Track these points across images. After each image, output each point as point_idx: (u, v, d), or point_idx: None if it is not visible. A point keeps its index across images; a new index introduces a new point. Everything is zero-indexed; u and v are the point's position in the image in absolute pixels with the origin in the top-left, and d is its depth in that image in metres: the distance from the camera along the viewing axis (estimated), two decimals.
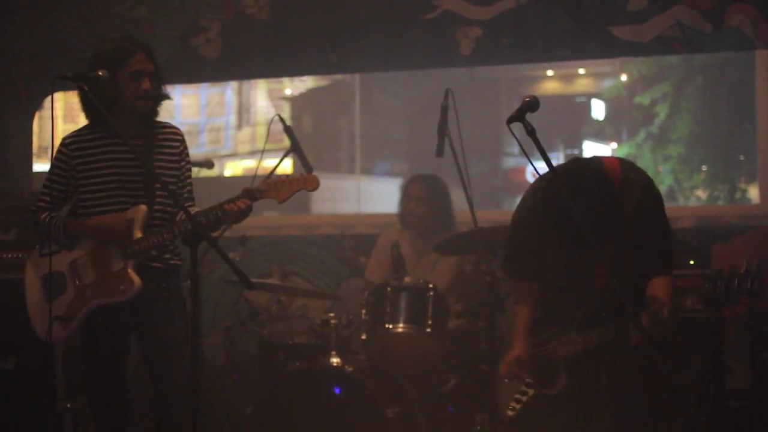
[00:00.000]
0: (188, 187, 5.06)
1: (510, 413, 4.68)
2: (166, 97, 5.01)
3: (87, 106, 4.85)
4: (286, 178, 4.71)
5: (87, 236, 4.87)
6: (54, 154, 4.85)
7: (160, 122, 5.06)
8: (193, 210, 4.85)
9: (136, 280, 4.75)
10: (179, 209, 4.75)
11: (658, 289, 4.44)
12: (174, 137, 5.00)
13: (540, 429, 4.60)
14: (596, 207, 4.29)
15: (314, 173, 5.08)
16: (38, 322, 4.95)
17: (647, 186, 4.50)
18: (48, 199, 4.89)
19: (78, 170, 4.87)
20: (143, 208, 4.80)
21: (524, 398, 4.65)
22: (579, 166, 4.58)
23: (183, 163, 5.01)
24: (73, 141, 4.88)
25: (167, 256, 4.95)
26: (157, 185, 4.83)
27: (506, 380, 4.69)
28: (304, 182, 4.67)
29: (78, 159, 4.85)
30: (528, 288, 4.74)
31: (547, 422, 4.56)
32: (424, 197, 6.80)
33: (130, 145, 4.60)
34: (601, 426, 4.42)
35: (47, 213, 4.87)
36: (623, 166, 4.53)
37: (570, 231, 4.16)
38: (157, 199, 4.89)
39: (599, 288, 4.40)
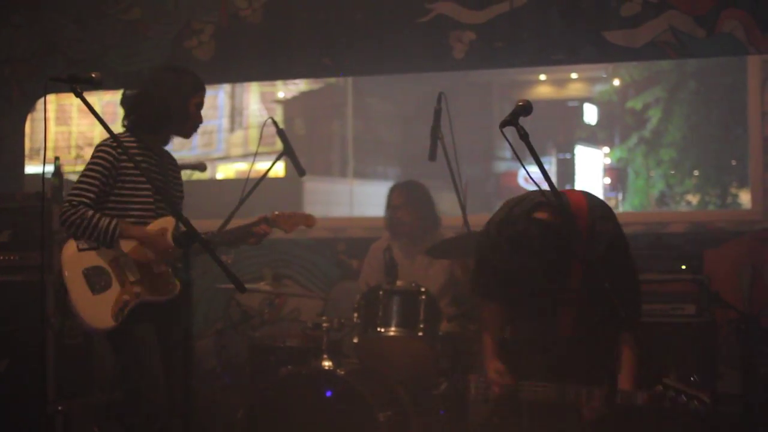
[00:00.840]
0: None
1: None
2: None
3: (136, 116, 5.12)
4: (293, 214, 5.38)
5: (136, 240, 5.00)
6: (96, 153, 4.97)
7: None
8: None
9: (177, 284, 5.02)
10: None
11: (623, 353, 4.32)
12: (174, 161, 5.29)
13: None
14: (559, 258, 4.24)
15: (307, 176, 5.35)
16: (89, 314, 4.94)
17: (614, 237, 4.38)
18: (92, 196, 4.95)
19: (121, 173, 4.99)
20: (172, 219, 5.02)
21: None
22: (544, 215, 4.32)
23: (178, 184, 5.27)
24: (119, 145, 4.92)
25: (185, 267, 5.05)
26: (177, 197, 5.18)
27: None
28: (305, 219, 5.40)
29: (123, 162, 4.96)
30: (494, 311, 4.64)
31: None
32: (407, 204, 6.81)
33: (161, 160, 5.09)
34: None
35: (93, 210, 4.92)
36: (591, 211, 4.39)
37: (531, 279, 4.24)
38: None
39: (563, 337, 4.38)
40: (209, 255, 4.26)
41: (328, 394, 5.90)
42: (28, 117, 8.40)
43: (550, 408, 4.36)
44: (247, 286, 4.40)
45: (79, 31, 8.13)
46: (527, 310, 4.46)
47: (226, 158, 11.76)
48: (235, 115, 11.72)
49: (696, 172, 10.57)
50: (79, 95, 4.73)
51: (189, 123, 5.20)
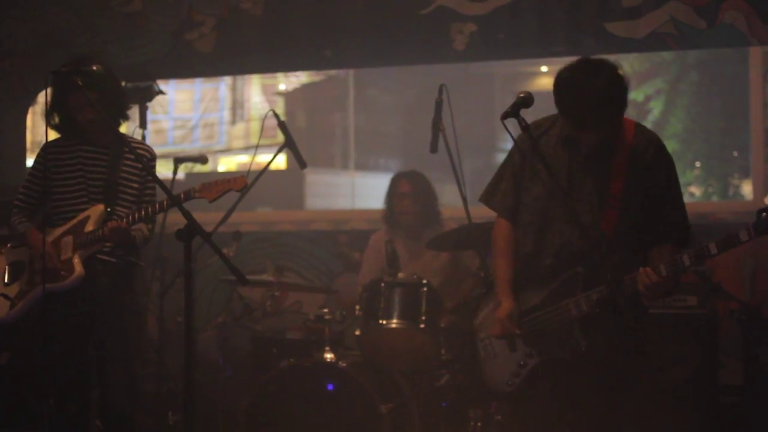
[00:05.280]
0: (147, 198, 5.35)
1: (508, 389, 4.58)
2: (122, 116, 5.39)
3: (60, 116, 5.27)
4: (216, 180, 5.07)
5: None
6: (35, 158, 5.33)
7: (135, 140, 5.63)
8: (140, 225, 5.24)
9: (78, 268, 5.12)
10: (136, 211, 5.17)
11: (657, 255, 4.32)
12: (143, 153, 5.27)
13: (549, 397, 4.47)
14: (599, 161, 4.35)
15: (308, 168, 5.23)
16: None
17: (660, 151, 4.43)
18: (23, 198, 5.35)
19: (52, 172, 5.25)
20: (100, 207, 5.19)
21: (523, 371, 4.53)
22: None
23: (148, 178, 5.29)
24: (50, 146, 5.30)
25: (120, 252, 5.27)
26: (120, 189, 5.24)
27: (500, 339, 4.56)
28: (232, 183, 5.04)
29: (52, 163, 5.25)
30: (508, 229, 4.62)
31: (558, 389, 4.44)
32: (413, 193, 6.80)
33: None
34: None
35: (17, 216, 5.32)
36: (637, 127, 4.48)
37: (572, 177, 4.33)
38: (119, 203, 5.24)
39: (606, 237, 4.34)
40: (211, 247, 4.28)
41: (330, 386, 5.92)
42: (30, 110, 8.40)
43: (599, 315, 4.32)
44: (249, 278, 4.41)
45: (79, 24, 8.11)
46: (565, 213, 4.35)
47: (228, 151, 11.75)
48: (237, 107, 11.71)
49: (698, 164, 10.55)
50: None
51: (74, 121, 5.24)
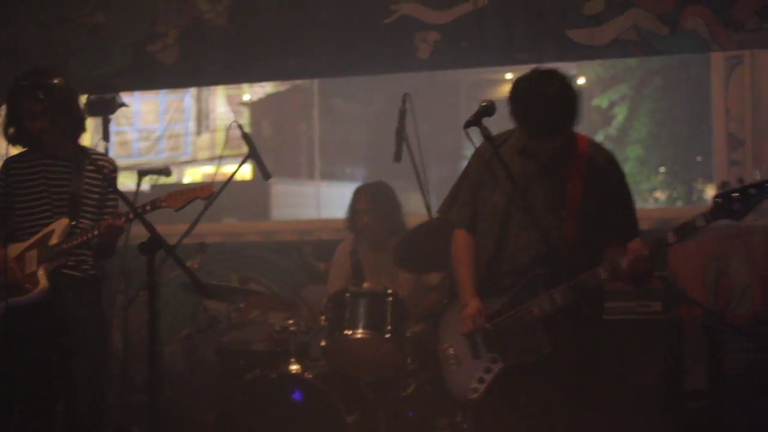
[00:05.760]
0: (109, 210, 5.33)
1: (473, 396, 4.58)
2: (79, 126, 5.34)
3: (14, 126, 5.25)
4: (182, 189, 5.05)
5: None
6: None
7: (96, 152, 5.56)
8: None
9: (42, 282, 5.10)
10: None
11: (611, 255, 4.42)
12: (104, 165, 5.27)
13: (514, 403, 4.50)
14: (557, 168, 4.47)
15: (274, 178, 5.22)
16: None
17: (612, 162, 4.59)
18: None
19: (14, 188, 5.25)
20: (65, 220, 5.18)
21: (488, 377, 4.54)
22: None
23: (110, 189, 5.25)
24: (11, 161, 5.31)
25: (86, 266, 5.28)
26: (84, 201, 5.23)
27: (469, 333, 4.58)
28: (199, 191, 5.01)
29: (14, 178, 5.26)
30: (467, 238, 4.68)
31: (524, 393, 4.47)
32: (372, 209, 6.76)
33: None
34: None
35: None
36: (590, 140, 4.65)
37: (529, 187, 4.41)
38: (82, 215, 5.23)
39: (566, 242, 4.42)
40: (174, 260, 4.27)
41: (297, 397, 5.89)
42: None
43: (561, 316, 4.39)
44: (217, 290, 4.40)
45: (42, 36, 8.06)
46: (524, 219, 4.46)
47: (194, 162, 11.73)
48: (202, 118, 11.70)
49: (663, 169, 10.62)
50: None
51: (27, 131, 5.22)
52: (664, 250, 4.29)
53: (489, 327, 4.50)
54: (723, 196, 4.09)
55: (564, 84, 4.37)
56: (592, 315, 4.41)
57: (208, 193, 5.01)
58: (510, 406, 4.51)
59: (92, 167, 5.20)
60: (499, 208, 4.54)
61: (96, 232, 5.06)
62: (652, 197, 10.50)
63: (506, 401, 4.52)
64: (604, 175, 4.51)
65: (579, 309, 4.33)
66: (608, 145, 10.46)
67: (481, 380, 4.56)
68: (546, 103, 4.30)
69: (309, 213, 11.35)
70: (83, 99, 5.47)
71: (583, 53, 7.48)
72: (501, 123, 4.63)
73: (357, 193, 6.93)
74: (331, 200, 11.12)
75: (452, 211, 4.76)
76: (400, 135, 6.04)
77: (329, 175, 11.60)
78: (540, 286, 4.42)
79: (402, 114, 6.04)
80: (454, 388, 4.70)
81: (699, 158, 10.29)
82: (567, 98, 4.37)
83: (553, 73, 4.40)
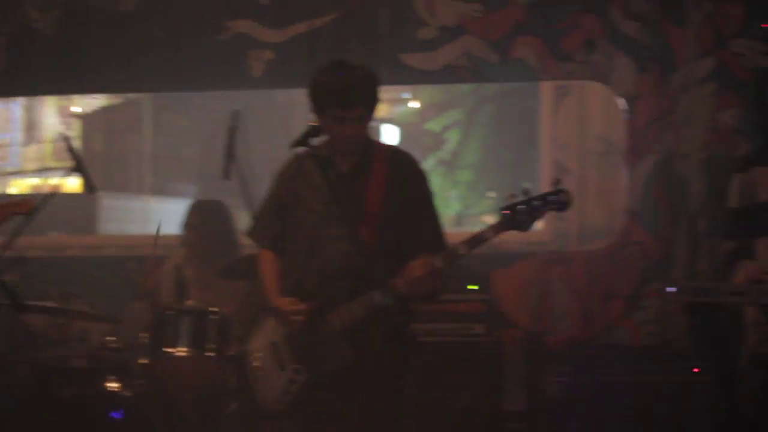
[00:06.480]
0: None
1: (280, 407, 4.56)
2: None
3: None
4: (4, 204, 4.98)
5: None
6: None
7: None
8: None
9: None
10: None
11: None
12: None
13: (319, 414, 4.49)
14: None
15: (103, 192, 5.12)
16: None
17: (415, 168, 4.65)
18: None
19: None
20: None
21: (293, 387, 4.52)
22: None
23: None
24: None
25: None
26: None
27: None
28: (19, 206, 5.00)
29: None
30: (271, 256, 4.70)
31: (329, 404, 4.47)
32: (202, 225, 6.72)
33: None
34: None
35: None
36: (390, 147, 4.73)
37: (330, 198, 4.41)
38: None
39: (367, 254, 4.44)
40: None
41: (115, 416, 5.78)
42: None
43: (360, 327, 4.39)
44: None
45: None
46: (329, 234, 4.49)
47: (21, 173, 11.43)
48: (31, 128, 11.42)
49: (491, 194, 10.79)
50: None
51: None
52: (457, 262, 4.32)
53: (312, 313, 4.49)
54: (509, 208, 4.18)
55: (366, 70, 4.46)
56: (397, 326, 4.45)
57: (28, 208, 4.88)
58: (315, 417, 4.51)
59: None
60: (307, 223, 4.56)
61: None
62: (481, 221, 10.65)
63: (311, 412, 4.52)
64: (405, 180, 4.56)
65: (382, 320, 4.36)
66: (439, 169, 10.78)
67: (285, 391, 4.56)
68: (344, 83, 4.36)
69: (138, 228, 11.16)
70: None
71: (416, 78, 7.60)
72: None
73: (190, 209, 6.88)
74: (162, 216, 10.96)
75: (256, 232, 4.79)
76: (230, 152, 6.00)
77: (161, 191, 11.44)
78: (343, 298, 4.43)
79: (231, 131, 6.01)
80: (262, 399, 4.67)
81: (527, 185, 10.47)
82: (370, 80, 4.44)
83: (353, 63, 4.48)
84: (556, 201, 4.18)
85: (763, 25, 6.96)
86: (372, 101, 4.46)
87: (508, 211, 4.18)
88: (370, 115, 4.49)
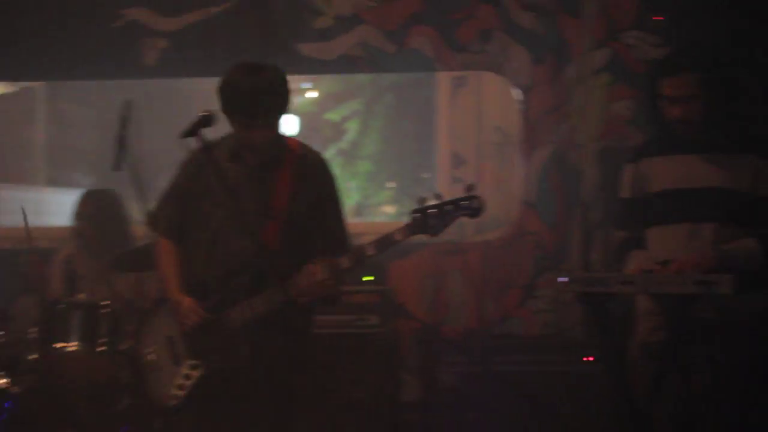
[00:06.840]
0: None
1: (172, 403, 4.50)
2: None
3: None
4: None
5: None
6: None
7: None
8: None
9: None
10: None
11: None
12: None
13: (214, 410, 4.47)
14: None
15: None
16: None
17: (324, 169, 4.62)
18: None
19: None
20: None
21: (188, 383, 4.48)
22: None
23: None
24: None
25: None
26: None
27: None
28: None
29: None
30: (170, 245, 4.65)
31: (224, 401, 4.44)
32: (93, 215, 6.60)
33: None
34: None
35: None
36: (303, 146, 4.66)
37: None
38: None
39: (270, 250, 4.41)
40: None
41: (3, 413, 5.67)
42: None
43: (261, 324, 4.37)
44: None
45: None
46: (234, 226, 4.43)
47: None
48: None
49: (391, 185, 10.82)
50: None
51: None
52: (364, 263, 4.32)
53: (209, 317, 4.44)
54: (420, 211, 4.18)
55: (275, 72, 4.40)
56: (297, 323, 4.44)
57: None
58: (209, 414, 4.48)
59: None
60: (211, 215, 4.51)
61: None
62: (382, 212, 10.69)
63: (205, 408, 4.48)
64: (315, 182, 4.54)
65: (282, 316, 4.33)
66: (339, 160, 10.77)
67: (180, 387, 4.51)
68: (252, 90, 4.30)
69: (31, 220, 10.94)
70: None
71: (312, 67, 7.56)
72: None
73: (81, 198, 6.75)
74: (57, 207, 10.78)
75: (156, 222, 4.72)
76: (121, 142, 5.89)
77: (56, 182, 11.25)
78: (242, 294, 4.40)
79: (123, 121, 5.90)
80: (155, 395, 4.62)
81: (425, 175, 10.52)
82: (278, 85, 4.38)
83: (263, 65, 4.43)
84: (469, 207, 4.19)
85: (655, 18, 7.04)
86: (281, 104, 4.41)
87: (418, 214, 4.18)
88: (280, 117, 4.45)
